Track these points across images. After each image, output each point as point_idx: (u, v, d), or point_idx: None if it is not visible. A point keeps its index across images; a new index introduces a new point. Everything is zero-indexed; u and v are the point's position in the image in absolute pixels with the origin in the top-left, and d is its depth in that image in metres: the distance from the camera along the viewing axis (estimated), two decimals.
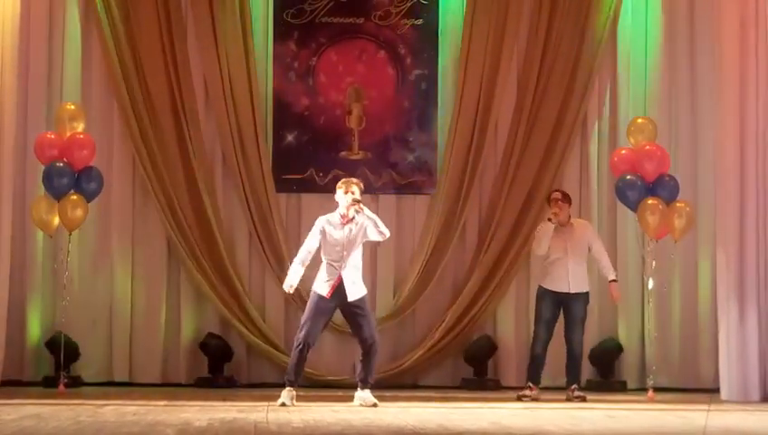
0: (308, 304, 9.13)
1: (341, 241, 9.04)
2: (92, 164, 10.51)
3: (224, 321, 11.25)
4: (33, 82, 11.18)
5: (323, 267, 9.10)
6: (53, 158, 10.35)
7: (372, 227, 9.04)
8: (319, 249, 9.13)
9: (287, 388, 9.01)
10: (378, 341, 9.15)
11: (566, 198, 10.13)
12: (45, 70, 11.24)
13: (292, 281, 9.13)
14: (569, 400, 9.86)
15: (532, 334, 10.24)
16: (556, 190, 10.33)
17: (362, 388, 9.08)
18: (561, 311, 10.05)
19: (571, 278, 9.97)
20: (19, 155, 10.85)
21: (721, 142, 10.44)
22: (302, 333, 9.00)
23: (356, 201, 9.02)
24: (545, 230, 9.97)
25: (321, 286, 9.06)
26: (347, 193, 9.06)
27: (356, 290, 9.03)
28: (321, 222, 9.16)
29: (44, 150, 10.43)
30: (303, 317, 9.12)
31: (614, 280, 10.13)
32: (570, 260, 9.97)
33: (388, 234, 9.18)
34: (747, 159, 10.27)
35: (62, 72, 11.28)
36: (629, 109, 11.43)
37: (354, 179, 9.25)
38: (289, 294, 9.35)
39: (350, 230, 9.07)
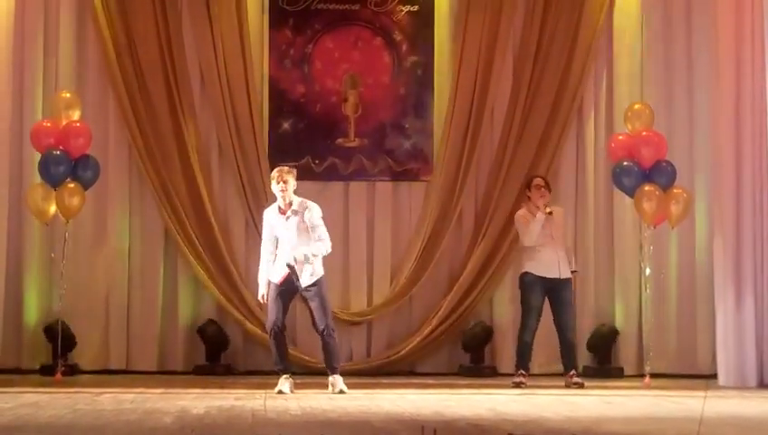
0: (269, 292, 9.12)
1: (284, 232, 9.02)
2: (88, 152, 10.50)
3: (221, 308, 11.26)
4: (29, 71, 11.16)
5: (278, 254, 9.09)
6: (50, 146, 10.34)
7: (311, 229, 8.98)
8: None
9: (283, 376, 9.01)
10: (330, 326, 9.06)
11: (548, 186, 10.15)
12: (40, 58, 11.21)
13: (263, 291, 9.14)
14: (567, 386, 9.87)
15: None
16: (538, 177, 10.31)
17: (331, 373, 9.09)
18: (547, 297, 10.05)
19: (561, 264, 9.99)
20: (15, 143, 10.85)
21: (717, 128, 10.44)
22: (268, 323, 9.06)
23: (289, 206, 8.94)
24: (538, 222, 9.94)
25: (274, 275, 9.07)
26: (279, 183, 9.00)
27: (308, 278, 8.99)
28: (265, 216, 9.18)
29: (41, 139, 10.41)
30: (268, 306, 9.13)
31: (576, 271, 10.17)
32: (558, 246, 10.00)
33: (325, 248, 8.99)
34: (743, 145, 10.27)
35: (58, 59, 11.25)
36: (626, 94, 11.42)
37: (286, 167, 9.18)
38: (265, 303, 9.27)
39: (291, 220, 9.00)
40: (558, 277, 9.98)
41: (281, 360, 9.04)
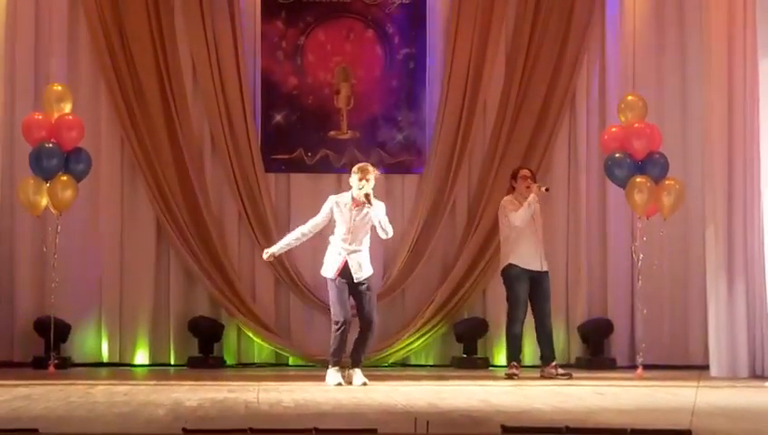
0: (329, 289, 9.16)
1: (348, 223, 9.08)
2: (81, 145, 10.49)
3: (213, 301, 11.26)
4: (20, 63, 11.13)
5: (330, 248, 9.16)
6: (42, 139, 10.32)
7: (377, 224, 9.10)
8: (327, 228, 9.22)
9: (333, 368, 9.07)
10: (376, 322, 9.20)
11: (534, 178, 10.19)
12: (32, 50, 11.19)
13: (273, 249, 9.30)
14: (549, 377, 9.86)
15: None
16: (524, 168, 10.36)
17: (353, 366, 9.12)
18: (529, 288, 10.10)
19: (542, 256, 10.05)
20: (6, 136, 10.82)
21: (709, 118, 10.45)
22: (340, 317, 9.03)
23: (367, 197, 9.02)
24: (533, 203, 9.96)
25: (328, 270, 9.13)
26: (361, 181, 9.05)
27: (361, 272, 9.10)
28: (330, 202, 9.20)
29: (32, 132, 10.39)
30: (331, 301, 9.14)
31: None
32: (539, 238, 10.05)
33: (390, 234, 9.22)
34: (735, 136, 10.28)
35: (49, 52, 11.22)
36: (618, 86, 11.43)
37: (371, 167, 9.20)
38: (268, 260, 9.47)
39: (359, 213, 9.09)
40: (539, 270, 10.03)
41: (339, 353, 9.10)
